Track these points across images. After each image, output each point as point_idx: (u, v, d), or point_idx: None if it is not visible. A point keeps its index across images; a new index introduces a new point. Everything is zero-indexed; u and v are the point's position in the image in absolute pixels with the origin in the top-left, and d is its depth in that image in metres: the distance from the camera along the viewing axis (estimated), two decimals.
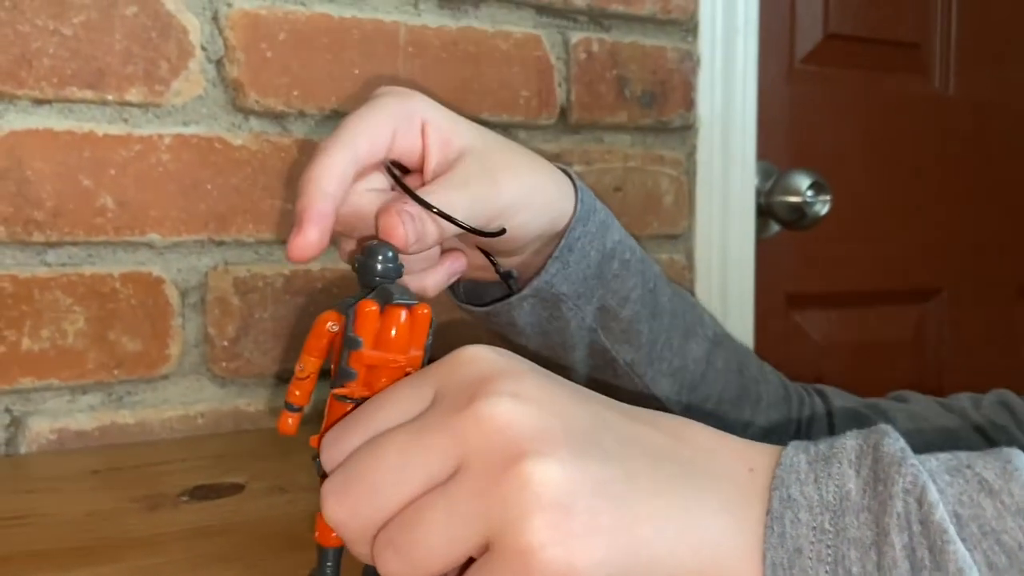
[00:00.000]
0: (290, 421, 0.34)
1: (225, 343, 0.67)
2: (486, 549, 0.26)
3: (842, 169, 1.05)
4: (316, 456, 0.32)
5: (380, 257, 0.34)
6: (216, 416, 0.67)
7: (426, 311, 0.32)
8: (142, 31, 0.63)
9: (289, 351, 0.69)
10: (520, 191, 0.41)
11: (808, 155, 1.04)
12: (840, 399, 0.59)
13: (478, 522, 0.26)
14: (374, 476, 0.27)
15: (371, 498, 0.27)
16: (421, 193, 0.37)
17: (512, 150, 0.42)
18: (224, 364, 0.67)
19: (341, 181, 0.37)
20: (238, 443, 0.63)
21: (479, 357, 0.29)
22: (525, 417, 0.26)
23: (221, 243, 0.66)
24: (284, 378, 0.69)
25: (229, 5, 0.65)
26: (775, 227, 1.02)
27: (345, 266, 0.70)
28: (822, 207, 0.98)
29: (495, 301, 0.48)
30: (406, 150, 0.40)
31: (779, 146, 1.01)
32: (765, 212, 0.99)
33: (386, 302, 0.32)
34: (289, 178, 0.68)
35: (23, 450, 0.61)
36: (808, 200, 0.98)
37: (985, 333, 1.20)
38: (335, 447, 0.30)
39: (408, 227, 0.36)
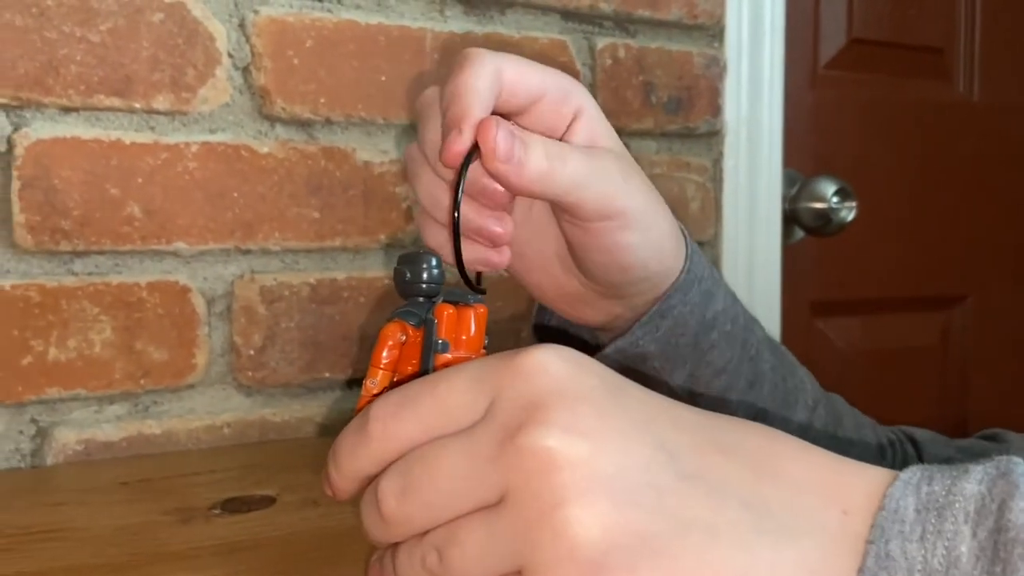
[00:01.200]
0: None
1: (251, 352, 0.66)
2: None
3: (865, 175, 1.04)
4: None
5: (425, 265, 0.34)
6: (242, 426, 0.66)
7: (483, 310, 0.32)
8: (169, 38, 0.62)
9: (315, 360, 0.68)
10: (644, 206, 0.39)
11: (832, 161, 1.03)
12: (932, 444, 0.54)
13: (514, 557, 0.25)
14: (429, 489, 0.27)
15: (425, 511, 0.27)
16: (550, 143, 0.36)
17: (650, 184, 0.40)
18: (250, 373, 0.66)
19: (492, 92, 0.35)
20: (265, 454, 0.62)
21: (541, 369, 0.26)
22: (572, 458, 0.24)
23: (247, 251, 0.66)
24: (310, 387, 0.68)
25: (256, 12, 0.65)
26: (799, 233, 1.01)
27: (372, 274, 0.70)
28: (848, 213, 0.97)
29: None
30: (547, 125, 0.38)
31: (803, 152, 1.00)
32: (790, 218, 0.98)
33: (457, 303, 0.32)
34: (316, 186, 0.68)
35: (49, 461, 0.60)
36: (834, 206, 0.96)
37: (1012, 340, 1.18)
38: (393, 425, 0.28)
39: (506, 141, 0.34)
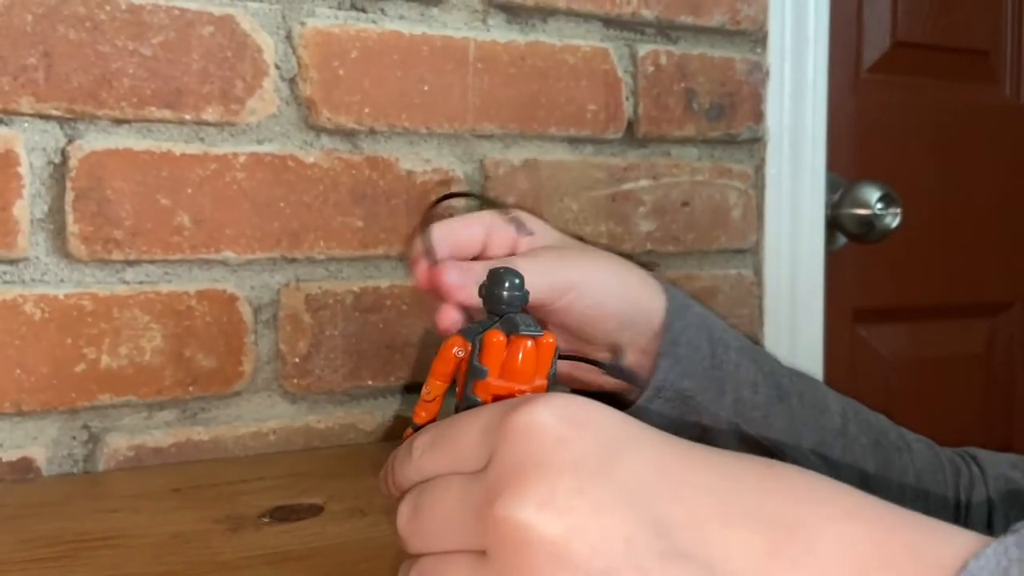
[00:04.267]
0: None
1: (296, 360, 0.67)
2: None
3: (909, 180, 1.02)
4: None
5: (507, 284, 0.34)
6: (287, 433, 0.67)
7: (551, 340, 0.32)
8: (218, 51, 0.63)
9: (359, 368, 0.69)
10: (589, 271, 0.43)
11: (875, 166, 1.01)
12: (992, 465, 0.53)
13: None
14: (429, 518, 0.29)
15: (424, 535, 0.29)
16: (494, 263, 0.40)
17: (594, 250, 0.46)
18: (295, 381, 0.67)
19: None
20: (311, 461, 0.63)
21: (531, 433, 0.26)
22: (545, 538, 0.24)
23: (293, 260, 0.66)
24: (354, 395, 0.69)
25: (303, 24, 0.66)
26: (841, 240, 1.00)
27: (415, 282, 0.70)
28: (892, 220, 0.96)
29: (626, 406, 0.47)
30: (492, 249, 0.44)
31: (846, 157, 0.99)
32: (832, 225, 0.97)
33: (511, 332, 0.32)
34: (360, 195, 0.68)
35: (101, 467, 0.61)
36: (878, 213, 0.95)
37: None
38: (426, 456, 0.30)
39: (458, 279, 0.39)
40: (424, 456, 0.30)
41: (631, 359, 0.46)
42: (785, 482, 0.25)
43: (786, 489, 0.24)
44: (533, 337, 0.31)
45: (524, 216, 0.45)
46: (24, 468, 0.59)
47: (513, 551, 0.24)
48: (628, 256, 0.46)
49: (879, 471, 0.50)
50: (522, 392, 0.31)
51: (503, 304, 0.33)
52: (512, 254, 0.44)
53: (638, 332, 0.45)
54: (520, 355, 0.31)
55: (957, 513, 0.51)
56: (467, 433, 0.28)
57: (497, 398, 0.31)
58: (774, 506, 0.24)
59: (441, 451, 0.29)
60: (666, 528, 0.24)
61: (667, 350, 0.45)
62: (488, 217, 0.44)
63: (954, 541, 0.22)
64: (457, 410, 0.32)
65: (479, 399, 0.31)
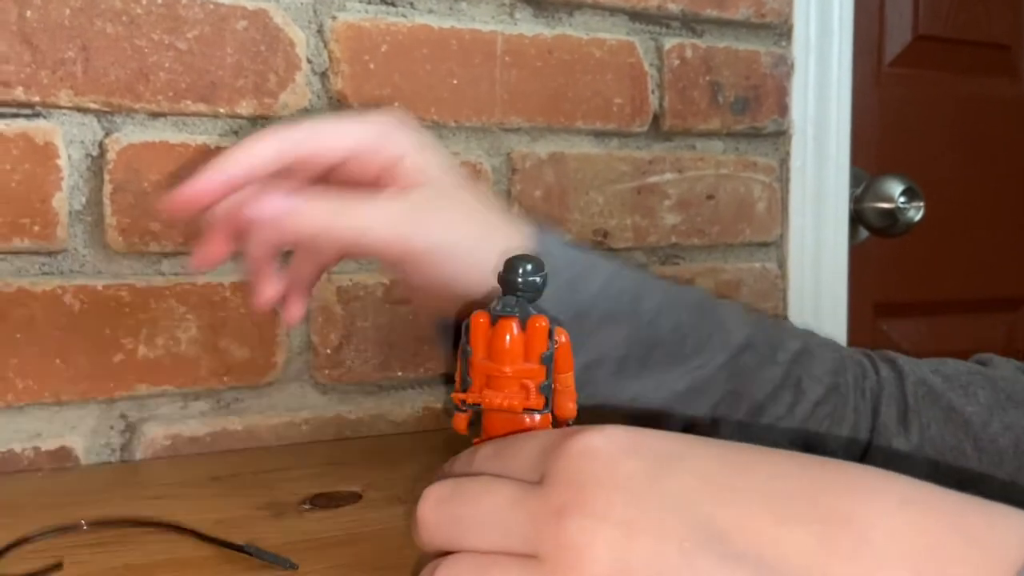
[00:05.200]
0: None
1: (328, 351, 0.68)
2: None
3: (931, 173, 1.02)
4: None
5: (520, 271, 0.34)
6: (319, 423, 0.68)
7: (542, 324, 0.32)
8: (252, 45, 0.64)
9: (389, 359, 0.69)
10: (445, 239, 0.40)
11: (897, 160, 1.01)
12: (916, 369, 0.52)
13: None
14: (468, 507, 0.28)
15: (452, 524, 0.28)
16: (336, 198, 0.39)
17: (468, 199, 0.42)
18: (327, 372, 0.68)
19: (251, 167, 0.39)
20: (344, 451, 0.64)
21: (587, 454, 0.27)
22: (606, 544, 0.25)
23: None
24: (384, 386, 0.70)
25: (334, 18, 0.66)
26: (863, 233, 1.00)
27: None
28: (916, 213, 0.96)
29: None
30: (356, 179, 0.40)
31: (868, 151, 0.99)
32: (855, 218, 0.97)
33: (500, 314, 0.32)
34: None
35: (138, 456, 0.62)
36: (901, 206, 0.95)
37: None
38: (464, 463, 0.31)
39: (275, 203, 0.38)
40: (484, 464, 0.30)
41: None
42: (835, 476, 0.25)
43: (836, 483, 0.25)
44: (519, 318, 0.32)
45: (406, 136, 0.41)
46: (63, 457, 0.60)
47: (574, 558, 0.25)
48: (652, 249, 0.44)
49: (774, 389, 0.49)
50: (505, 375, 0.31)
51: (517, 292, 0.33)
52: (374, 183, 0.40)
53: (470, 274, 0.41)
54: (507, 337, 0.31)
55: (860, 414, 0.50)
56: (525, 449, 0.29)
57: (489, 378, 0.32)
58: (825, 501, 0.24)
59: (501, 460, 0.30)
60: (718, 532, 0.24)
61: None
62: (364, 132, 0.40)
63: (1017, 527, 0.22)
64: (452, 387, 0.33)
65: (470, 378, 0.32)
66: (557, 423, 0.33)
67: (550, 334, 0.32)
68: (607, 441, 0.27)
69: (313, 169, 0.40)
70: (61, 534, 0.44)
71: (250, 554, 0.41)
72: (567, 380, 0.33)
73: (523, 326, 0.32)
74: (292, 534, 0.46)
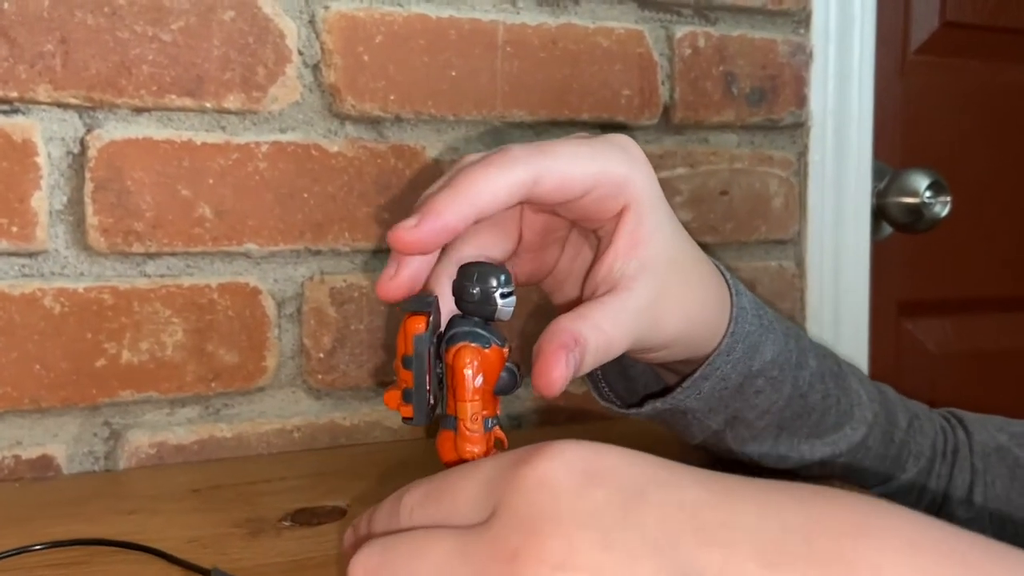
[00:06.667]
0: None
1: (321, 355, 0.65)
2: None
3: (959, 166, 0.98)
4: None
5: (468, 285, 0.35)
6: (312, 430, 0.65)
7: (411, 321, 0.32)
8: (239, 36, 0.61)
9: (385, 363, 0.67)
10: (679, 330, 0.38)
11: (922, 152, 0.97)
12: (981, 430, 0.54)
13: None
14: (405, 572, 0.25)
15: None
16: (595, 304, 0.35)
17: (687, 272, 0.38)
18: (320, 376, 0.65)
19: (493, 204, 0.33)
20: (335, 460, 0.61)
21: (544, 484, 0.23)
22: None
23: (317, 252, 0.64)
24: (380, 391, 0.67)
25: (326, 8, 0.63)
26: (887, 229, 0.96)
27: None
28: (942, 209, 0.92)
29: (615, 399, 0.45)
30: (588, 217, 0.36)
31: (892, 143, 0.95)
32: (878, 214, 0.93)
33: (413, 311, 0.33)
34: (385, 185, 0.66)
35: (122, 464, 0.60)
36: (926, 201, 0.91)
37: None
38: (387, 516, 0.28)
39: (563, 378, 0.32)
40: (415, 513, 0.26)
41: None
42: (834, 512, 0.22)
43: (837, 519, 0.22)
44: (412, 312, 0.33)
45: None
46: (44, 466, 0.58)
47: None
48: None
49: (889, 464, 0.51)
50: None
51: (467, 303, 0.34)
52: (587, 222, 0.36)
53: (675, 359, 0.41)
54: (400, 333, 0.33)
55: (932, 469, 0.52)
56: (466, 484, 0.25)
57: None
58: (822, 543, 0.21)
59: (435, 504, 0.26)
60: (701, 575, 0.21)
61: (694, 384, 0.41)
62: (604, 170, 0.34)
63: None
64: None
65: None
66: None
67: (413, 333, 0.33)
68: (566, 469, 0.23)
69: (543, 202, 0.35)
70: (20, 554, 0.42)
71: None
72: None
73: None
74: (267, 555, 0.43)
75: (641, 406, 0.43)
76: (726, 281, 0.42)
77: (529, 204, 0.37)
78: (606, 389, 0.45)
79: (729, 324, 0.40)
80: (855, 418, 0.48)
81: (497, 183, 0.32)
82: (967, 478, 0.52)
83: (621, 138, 0.37)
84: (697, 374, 0.41)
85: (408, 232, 0.33)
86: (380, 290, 0.35)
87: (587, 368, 0.34)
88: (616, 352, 0.35)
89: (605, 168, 0.35)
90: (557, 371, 0.31)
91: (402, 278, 0.35)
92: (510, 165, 0.33)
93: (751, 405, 0.43)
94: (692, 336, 0.39)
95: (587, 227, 0.38)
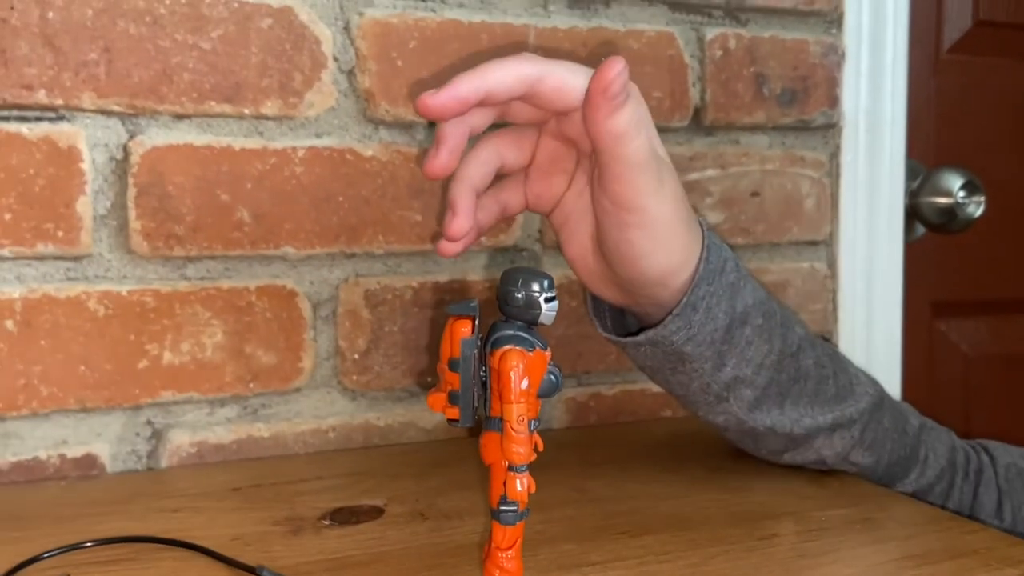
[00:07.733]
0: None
1: (356, 356, 0.66)
2: None
3: (993, 166, 0.97)
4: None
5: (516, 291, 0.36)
6: (347, 430, 0.66)
7: (457, 325, 0.34)
8: (277, 43, 0.62)
9: (418, 364, 0.68)
10: (667, 216, 0.42)
11: (955, 152, 0.96)
12: (1006, 455, 0.56)
13: None
14: None
15: None
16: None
17: (674, 185, 0.43)
18: (355, 377, 0.66)
19: (502, 86, 0.39)
20: (371, 460, 0.62)
21: None
22: None
23: (352, 255, 0.65)
24: (413, 392, 0.68)
25: (360, 14, 0.64)
26: (920, 230, 0.95)
27: (473, 277, 0.69)
28: (976, 209, 0.91)
29: (619, 331, 0.48)
30: (582, 134, 0.42)
31: (925, 143, 0.94)
32: (911, 214, 0.92)
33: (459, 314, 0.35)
34: (418, 189, 0.67)
35: (164, 463, 0.61)
36: (960, 201, 0.90)
37: None
38: None
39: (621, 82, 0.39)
40: None
41: (629, 300, 0.46)
42: None
43: None
44: (457, 316, 0.34)
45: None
46: (88, 465, 0.60)
47: None
48: None
49: (905, 458, 0.53)
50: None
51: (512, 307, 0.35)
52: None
53: (646, 295, 0.44)
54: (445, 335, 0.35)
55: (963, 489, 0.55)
56: None
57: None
58: None
59: None
60: None
61: (682, 312, 0.44)
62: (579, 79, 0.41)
63: None
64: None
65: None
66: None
67: (462, 335, 0.35)
68: None
69: (546, 108, 0.42)
70: (71, 551, 0.43)
71: None
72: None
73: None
74: (309, 553, 0.44)
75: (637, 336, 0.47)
76: (699, 222, 0.46)
77: (541, 123, 0.44)
78: (609, 324, 0.49)
79: (702, 254, 0.44)
80: (856, 393, 0.51)
81: (507, 70, 0.40)
82: (994, 497, 0.54)
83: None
84: (684, 300, 0.44)
85: (431, 97, 0.39)
86: (427, 168, 0.41)
87: (626, 119, 0.40)
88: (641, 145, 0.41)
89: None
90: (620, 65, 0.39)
91: (442, 154, 0.41)
92: (521, 60, 0.40)
93: (745, 359, 0.46)
94: (656, 252, 0.42)
95: (585, 150, 0.44)
